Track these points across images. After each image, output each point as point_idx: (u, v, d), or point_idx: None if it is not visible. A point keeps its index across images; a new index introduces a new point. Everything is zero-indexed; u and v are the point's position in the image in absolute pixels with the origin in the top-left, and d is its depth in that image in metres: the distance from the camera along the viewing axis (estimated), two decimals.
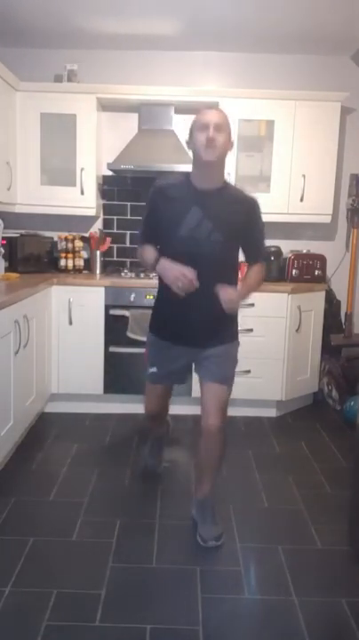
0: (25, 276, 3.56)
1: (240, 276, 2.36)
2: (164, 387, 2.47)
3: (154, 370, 2.39)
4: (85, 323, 3.62)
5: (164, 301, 2.31)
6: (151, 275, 3.79)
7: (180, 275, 2.05)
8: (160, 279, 2.26)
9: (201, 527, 2.33)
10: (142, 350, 2.58)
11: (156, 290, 2.37)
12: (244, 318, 3.54)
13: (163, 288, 2.25)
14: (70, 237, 3.95)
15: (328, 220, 3.93)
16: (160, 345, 2.35)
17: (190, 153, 2.19)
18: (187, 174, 2.22)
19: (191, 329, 2.24)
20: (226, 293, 2.09)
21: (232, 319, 2.30)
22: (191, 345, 2.28)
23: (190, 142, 2.16)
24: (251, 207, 2.23)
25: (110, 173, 3.98)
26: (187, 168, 2.26)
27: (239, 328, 2.37)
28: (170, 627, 1.82)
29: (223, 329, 2.28)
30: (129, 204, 4.13)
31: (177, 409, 3.71)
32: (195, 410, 3.58)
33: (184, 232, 2.14)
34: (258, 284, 2.31)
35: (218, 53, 3.99)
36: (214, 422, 2.24)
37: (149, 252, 2.24)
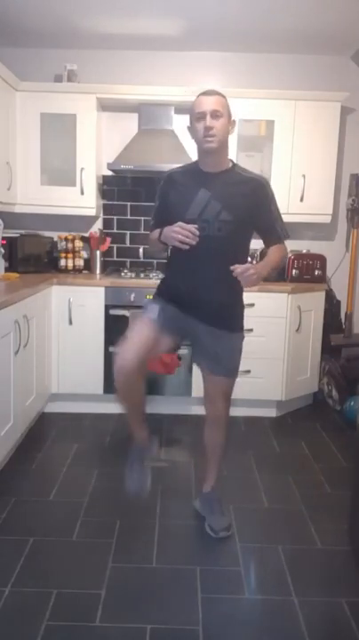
0: (25, 275, 3.55)
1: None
2: (154, 333, 2.18)
3: (151, 314, 2.22)
4: (85, 323, 3.62)
5: (176, 273, 2.29)
6: (151, 275, 3.79)
7: (179, 229, 2.05)
8: (172, 252, 2.26)
9: (210, 519, 2.39)
10: None
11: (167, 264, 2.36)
12: (244, 318, 3.56)
13: (175, 261, 2.27)
14: (70, 237, 3.95)
15: (328, 220, 3.93)
16: (167, 305, 2.24)
17: (193, 142, 2.20)
18: (197, 160, 2.25)
19: (199, 304, 2.20)
20: (241, 268, 2.01)
21: (238, 307, 2.31)
22: (198, 318, 2.22)
23: (191, 130, 2.18)
24: (259, 186, 2.20)
25: (110, 173, 3.98)
26: None
27: None
28: (170, 627, 1.82)
29: (229, 314, 2.28)
30: (129, 203, 4.13)
31: (177, 409, 3.74)
32: (194, 410, 3.60)
33: (193, 213, 2.14)
34: (279, 259, 2.24)
35: (218, 53, 3.99)
36: (221, 410, 2.36)
37: (155, 232, 2.23)
